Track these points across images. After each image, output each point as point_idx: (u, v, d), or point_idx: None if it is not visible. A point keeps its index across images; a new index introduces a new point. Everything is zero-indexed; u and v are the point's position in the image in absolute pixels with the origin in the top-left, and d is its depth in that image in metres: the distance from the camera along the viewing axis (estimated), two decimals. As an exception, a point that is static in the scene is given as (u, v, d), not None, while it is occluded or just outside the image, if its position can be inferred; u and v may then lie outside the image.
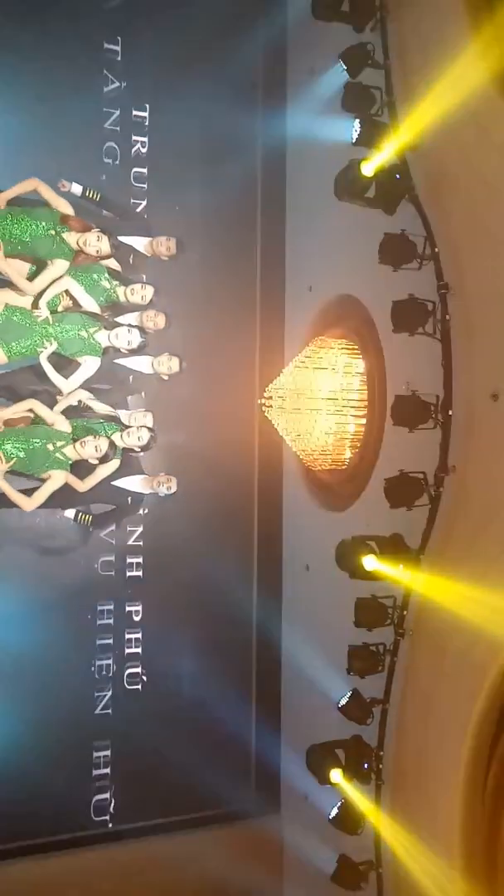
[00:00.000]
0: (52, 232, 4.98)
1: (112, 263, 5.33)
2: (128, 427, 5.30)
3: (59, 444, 4.96)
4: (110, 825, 6.68)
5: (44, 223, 4.98)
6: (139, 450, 5.32)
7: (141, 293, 5.29)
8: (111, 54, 6.68)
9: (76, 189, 5.29)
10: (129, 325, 5.24)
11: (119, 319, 5.35)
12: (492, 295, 5.32)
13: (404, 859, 5.63)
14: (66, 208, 5.07)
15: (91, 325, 5.12)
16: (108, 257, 5.11)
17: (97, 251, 4.98)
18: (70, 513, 5.39)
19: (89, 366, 5.15)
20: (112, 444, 5.03)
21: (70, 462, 5.01)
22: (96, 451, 4.92)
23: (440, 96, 5.42)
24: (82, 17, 6.50)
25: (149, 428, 5.31)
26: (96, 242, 4.95)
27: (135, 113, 6.80)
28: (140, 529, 6.80)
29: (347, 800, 5.99)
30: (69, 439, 5.00)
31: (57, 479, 4.97)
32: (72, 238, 4.99)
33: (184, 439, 6.75)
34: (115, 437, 5.20)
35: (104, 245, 4.98)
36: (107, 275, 5.24)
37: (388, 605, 5.79)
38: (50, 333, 5.03)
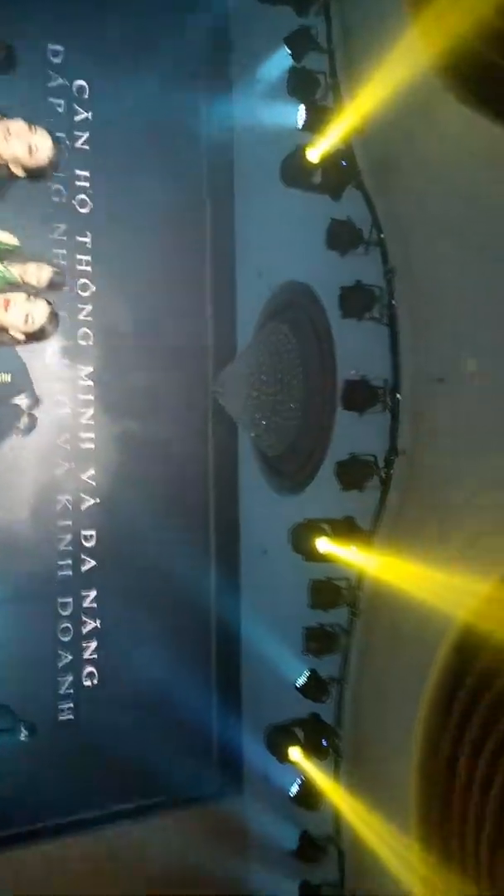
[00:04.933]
0: None
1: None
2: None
3: None
4: (77, 813, 6.70)
5: None
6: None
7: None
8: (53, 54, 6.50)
9: None
10: None
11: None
12: (437, 279, 5.41)
13: (363, 831, 5.78)
14: None
15: None
16: None
17: None
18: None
19: None
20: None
21: None
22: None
23: (384, 81, 5.45)
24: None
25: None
26: None
27: (76, 101, 6.66)
28: (95, 510, 6.74)
29: (307, 777, 6.12)
30: None
31: None
32: None
33: (137, 427, 6.72)
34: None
35: None
36: None
37: (342, 586, 5.89)
38: None
